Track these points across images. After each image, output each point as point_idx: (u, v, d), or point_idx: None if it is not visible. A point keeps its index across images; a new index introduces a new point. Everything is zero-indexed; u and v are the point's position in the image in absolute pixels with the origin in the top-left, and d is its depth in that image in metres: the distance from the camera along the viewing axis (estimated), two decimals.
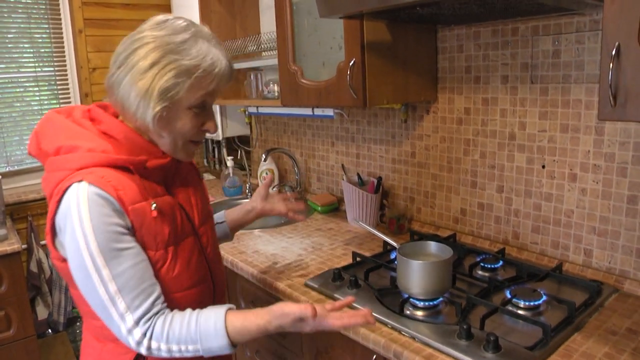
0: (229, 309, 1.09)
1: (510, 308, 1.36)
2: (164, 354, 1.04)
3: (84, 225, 0.99)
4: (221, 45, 1.13)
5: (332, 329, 1.10)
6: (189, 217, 1.20)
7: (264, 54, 2.50)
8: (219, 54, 1.09)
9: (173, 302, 1.12)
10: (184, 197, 1.21)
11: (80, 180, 1.01)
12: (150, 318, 1.04)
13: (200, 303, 1.17)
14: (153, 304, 1.04)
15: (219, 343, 1.05)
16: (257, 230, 2.20)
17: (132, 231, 1.05)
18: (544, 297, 1.38)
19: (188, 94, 1.07)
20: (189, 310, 1.09)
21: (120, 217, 1.03)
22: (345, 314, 1.10)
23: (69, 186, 1.02)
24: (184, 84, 1.05)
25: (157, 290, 1.07)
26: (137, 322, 1.02)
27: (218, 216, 1.54)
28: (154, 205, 1.07)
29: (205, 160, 3.54)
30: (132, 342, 1.03)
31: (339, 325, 1.09)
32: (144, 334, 1.02)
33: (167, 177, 1.19)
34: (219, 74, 1.09)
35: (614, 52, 0.99)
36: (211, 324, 1.05)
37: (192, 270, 1.16)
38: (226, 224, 1.54)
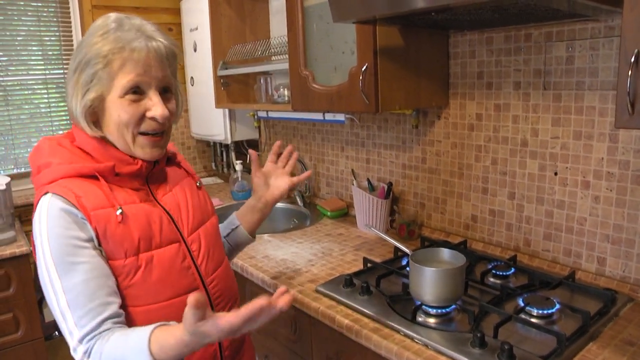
0: (163, 324, 1.00)
1: (523, 316, 1.35)
2: None
3: (42, 236, 1.01)
4: (157, 31, 1.11)
5: (242, 325, 0.90)
6: (175, 224, 1.18)
7: (273, 58, 2.50)
8: (136, 35, 1.06)
9: (157, 313, 1.09)
10: (172, 204, 1.20)
11: (45, 193, 1.04)
12: (94, 337, 1.00)
13: None
14: (100, 324, 1.01)
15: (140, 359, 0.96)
16: (266, 235, 2.19)
17: (97, 241, 1.04)
18: (558, 306, 1.37)
19: (111, 82, 1.06)
20: (130, 329, 1.03)
21: (80, 229, 1.02)
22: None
23: (39, 200, 1.05)
24: (102, 72, 1.05)
25: (110, 309, 1.02)
26: (80, 341, 0.99)
27: (230, 221, 1.51)
28: (120, 210, 1.06)
29: (213, 164, 3.54)
30: (77, 356, 1.01)
31: (242, 318, 0.89)
32: (85, 352, 1.00)
33: (153, 183, 1.19)
34: (134, 52, 1.05)
35: (633, 60, 0.98)
36: (136, 339, 0.98)
37: (175, 278, 1.13)
38: (242, 227, 1.49)
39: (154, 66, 1.08)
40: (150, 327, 0.99)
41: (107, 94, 1.07)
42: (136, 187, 1.14)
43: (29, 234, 2.86)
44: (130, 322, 1.07)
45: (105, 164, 1.09)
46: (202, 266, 1.20)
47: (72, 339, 1.00)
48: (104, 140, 1.12)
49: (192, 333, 0.91)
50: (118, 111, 1.07)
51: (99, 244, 1.04)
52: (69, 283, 1.00)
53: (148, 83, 1.08)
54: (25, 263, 2.41)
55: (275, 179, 1.54)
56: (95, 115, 1.10)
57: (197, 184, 1.33)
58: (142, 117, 1.09)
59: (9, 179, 2.51)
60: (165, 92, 1.13)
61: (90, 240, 1.03)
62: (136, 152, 1.12)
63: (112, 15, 1.10)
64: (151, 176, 1.18)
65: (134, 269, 1.07)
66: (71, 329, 1.00)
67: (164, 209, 1.17)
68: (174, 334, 0.95)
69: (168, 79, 1.13)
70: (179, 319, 1.03)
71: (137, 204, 1.12)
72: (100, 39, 1.05)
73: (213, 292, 1.21)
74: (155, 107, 1.09)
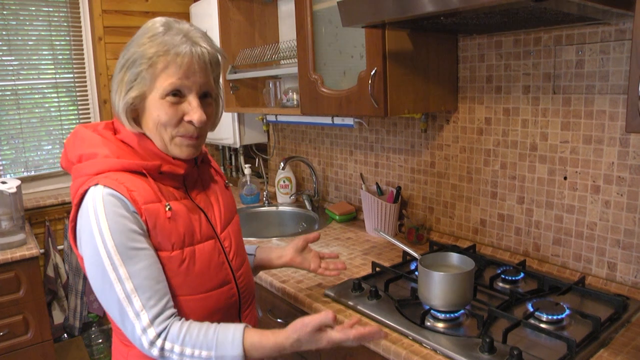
0: (247, 326, 1.10)
1: (532, 322, 1.34)
2: (175, 357, 1.05)
3: (100, 225, 1.03)
4: (204, 37, 1.13)
5: (347, 341, 1.10)
6: (210, 221, 1.22)
7: (282, 62, 2.51)
8: (181, 40, 1.09)
9: (196, 303, 1.15)
10: (205, 202, 1.25)
11: (96, 184, 1.06)
12: (164, 319, 1.05)
13: (223, 307, 1.20)
14: (166, 305, 1.07)
15: (233, 352, 1.05)
16: (275, 238, 2.19)
17: (147, 233, 1.09)
18: (567, 311, 1.36)
19: (154, 82, 1.09)
20: (206, 322, 1.11)
21: (134, 219, 1.06)
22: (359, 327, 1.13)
23: (87, 190, 1.07)
24: (146, 72, 1.08)
25: (169, 293, 1.09)
26: (152, 321, 1.04)
27: (250, 247, 1.53)
28: (169, 206, 1.11)
29: (222, 168, 3.55)
30: (145, 341, 1.04)
31: (354, 335, 1.10)
32: (159, 334, 1.04)
33: (189, 182, 1.24)
34: (179, 57, 1.08)
35: None
36: (230, 333, 1.07)
37: (213, 272, 1.18)
38: (253, 258, 1.52)
39: (197, 71, 1.11)
40: (240, 325, 1.09)
41: (149, 94, 1.10)
42: (175, 186, 1.19)
43: (39, 237, 2.89)
44: None
45: (153, 162, 1.13)
46: (233, 261, 1.25)
47: (139, 321, 1.03)
48: (145, 137, 1.15)
49: (305, 341, 1.08)
50: (158, 111, 1.10)
51: (148, 236, 1.09)
52: (134, 268, 1.04)
53: (189, 87, 1.11)
54: (35, 265, 2.42)
55: (310, 258, 1.54)
56: (135, 112, 1.13)
57: (225, 184, 1.37)
58: (180, 120, 1.12)
59: (19, 182, 2.53)
60: (205, 97, 1.15)
61: (143, 230, 1.08)
62: (172, 151, 1.15)
63: (162, 19, 1.13)
64: (187, 176, 1.23)
65: (178, 261, 1.12)
66: (138, 310, 1.03)
67: (199, 207, 1.22)
68: (272, 339, 1.08)
69: (209, 84, 1.15)
70: (213, 309, 1.16)
71: (179, 200, 1.17)
72: (148, 41, 1.09)
73: (241, 286, 1.26)
74: (193, 111, 1.11)
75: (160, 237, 1.09)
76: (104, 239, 1.03)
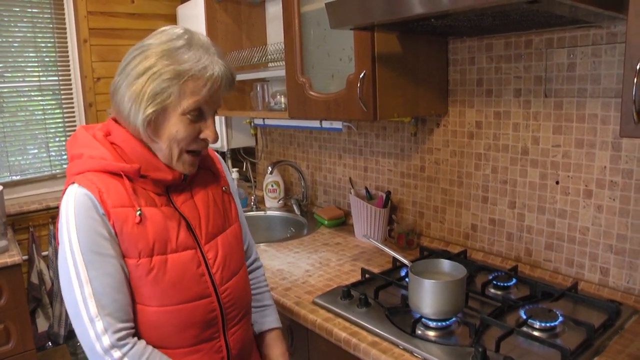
0: None
1: (525, 329, 1.32)
2: None
3: (69, 224, 1.03)
4: (220, 53, 1.13)
5: None
6: (193, 231, 1.17)
7: (270, 64, 2.48)
8: (213, 60, 1.09)
9: (167, 315, 1.11)
10: (191, 211, 1.19)
11: (73, 183, 1.07)
12: (119, 330, 1.04)
13: (200, 321, 1.15)
14: (122, 317, 1.05)
15: None
16: (262, 244, 2.16)
17: (115, 238, 1.06)
18: (561, 318, 1.34)
19: (180, 99, 1.07)
20: None
21: (103, 222, 1.05)
22: None
23: (66, 189, 1.08)
24: (174, 88, 1.06)
25: (128, 306, 1.07)
26: (106, 329, 1.02)
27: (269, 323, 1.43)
28: (139, 211, 1.08)
29: None
30: (98, 348, 1.02)
31: None
32: (115, 345, 1.02)
33: (172, 190, 1.19)
34: (212, 78, 1.08)
35: (638, 67, 0.96)
36: None
37: (188, 284, 1.13)
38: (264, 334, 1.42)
39: (219, 93, 1.12)
40: None
41: (171, 109, 1.08)
42: (158, 192, 1.15)
43: (22, 243, 2.83)
44: (139, 319, 1.10)
45: (132, 165, 1.10)
46: (216, 274, 1.19)
47: (93, 327, 1.02)
48: (141, 142, 1.13)
49: None
50: (177, 127, 1.09)
51: (117, 243, 1.07)
52: (94, 273, 1.03)
53: (210, 107, 1.12)
54: (18, 273, 2.37)
55: None
56: (150, 123, 1.10)
57: (223, 189, 1.31)
58: (196, 137, 1.13)
59: (0, 187, 2.48)
60: (214, 114, 1.16)
61: (112, 236, 1.06)
62: (176, 167, 1.15)
63: (180, 29, 1.12)
64: (171, 184, 1.18)
65: (146, 269, 1.08)
66: (93, 316, 1.02)
67: (182, 215, 1.17)
68: None
69: (221, 103, 1.16)
70: (187, 323, 1.13)
71: (157, 207, 1.13)
72: (175, 54, 1.06)
73: (225, 300, 1.20)
74: (209, 130, 1.13)
75: (127, 242, 1.07)
76: (71, 238, 1.03)
